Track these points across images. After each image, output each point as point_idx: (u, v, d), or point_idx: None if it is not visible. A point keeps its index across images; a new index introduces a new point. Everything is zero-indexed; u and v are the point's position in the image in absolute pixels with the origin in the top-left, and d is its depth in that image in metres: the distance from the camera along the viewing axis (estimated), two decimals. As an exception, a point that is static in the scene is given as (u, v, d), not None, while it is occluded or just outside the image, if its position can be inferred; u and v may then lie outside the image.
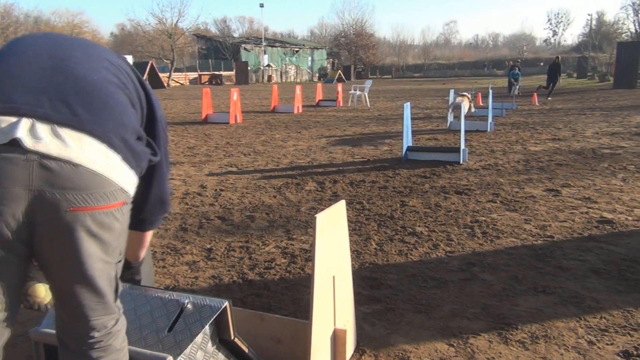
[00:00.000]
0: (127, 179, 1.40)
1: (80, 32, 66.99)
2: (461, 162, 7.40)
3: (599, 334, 2.67)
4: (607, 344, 2.58)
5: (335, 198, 5.57)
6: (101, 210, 1.31)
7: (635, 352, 2.48)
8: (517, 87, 22.63)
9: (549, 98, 20.08)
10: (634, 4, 57.81)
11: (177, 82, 45.67)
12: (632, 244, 3.99)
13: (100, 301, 1.40)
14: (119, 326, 1.49)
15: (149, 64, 38.89)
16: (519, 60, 26.55)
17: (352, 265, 2.58)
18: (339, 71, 52.12)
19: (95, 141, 1.32)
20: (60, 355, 1.50)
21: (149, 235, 1.86)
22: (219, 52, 54.58)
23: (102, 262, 1.36)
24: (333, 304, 2.24)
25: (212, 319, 1.83)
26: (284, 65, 60.22)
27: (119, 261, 1.45)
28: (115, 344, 1.48)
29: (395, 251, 3.96)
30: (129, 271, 1.92)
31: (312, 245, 2.03)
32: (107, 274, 1.39)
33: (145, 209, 1.69)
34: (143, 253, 1.91)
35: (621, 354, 2.48)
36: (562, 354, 2.49)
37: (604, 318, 2.84)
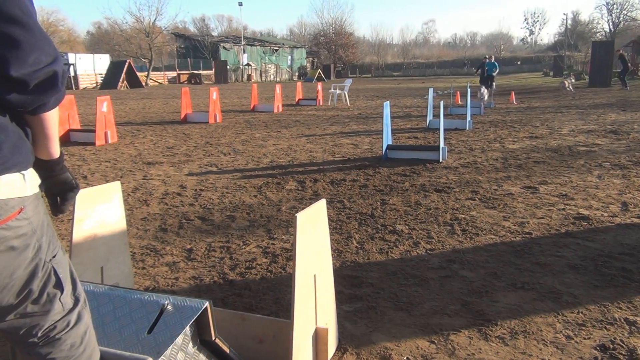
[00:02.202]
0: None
1: (55, 31, 65.96)
2: (441, 160, 7.46)
3: (577, 329, 2.71)
4: (585, 338, 2.62)
5: (315, 197, 5.57)
6: None
7: (611, 346, 2.52)
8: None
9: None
10: (608, 3, 58.93)
11: (156, 81, 45.22)
12: (608, 239, 4.06)
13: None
14: (65, 323, 1.46)
15: (127, 63, 38.50)
16: (486, 57, 25.67)
17: (333, 263, 2.58)
18: (319, 70, 52.22)
19: None
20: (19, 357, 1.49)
21: (52, 117, 1.39)
22: (198, 51, 54.18)
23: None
24: (314, 303, 2.24)
25: (192, 320, 1.82)
26: (263, 64, 60.03)
27: (48, 259, 1.40)
28: (66, 342, 1.46)
29: (376, 249, 3.97)
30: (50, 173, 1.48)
31: (293, 244, 2.02)
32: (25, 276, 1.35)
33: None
34: (54, 143, 1.44)
35: (598, 348, 2.52)
36: (540, 349, 2.53)
37: (581, 313, 2.88)
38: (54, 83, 1.29)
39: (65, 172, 1.50)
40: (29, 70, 1.22)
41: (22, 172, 1.31)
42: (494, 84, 20.12)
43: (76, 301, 1.50)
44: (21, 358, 1.49)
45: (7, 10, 1.18)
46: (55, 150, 1.45)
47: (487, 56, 20.94)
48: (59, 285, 1.43)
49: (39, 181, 1.40)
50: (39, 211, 1.37)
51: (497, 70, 20.42)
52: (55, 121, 1.40)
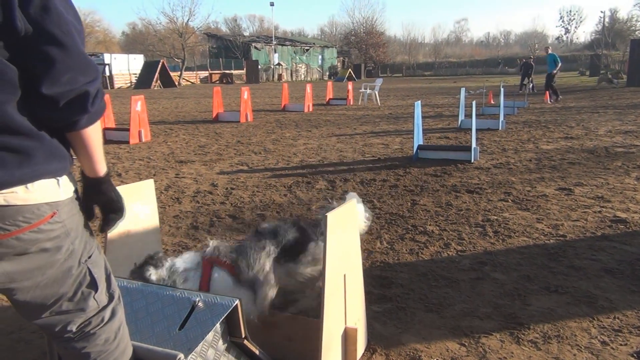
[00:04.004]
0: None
1: (92, 32, 67.49)
2: (472, 160, 7.36)
3: (613, 334, 2.65)
4: (621, 345, 2.55)
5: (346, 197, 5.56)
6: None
7: (649, 353, 2.45)
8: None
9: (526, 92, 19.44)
10: (647, 0, 57.20)
11: (188, 81, 45.85)
12: (646, 243, 3.94)
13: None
14: (99, 319, 1.50)
15: (160, 63, 39.13)
16: (531, 57, 25.56)
17: (363, 264, 2.57)
18: (349, 69, 52.07)
19: None
20: (59, 349, 1.54)
21: (89, 136, 1.39)
22: (230, 50, 54.70)
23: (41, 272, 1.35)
24: (344, 303, 2.23)
25: (223, 317, 1.84)
26: (294, 64, 60.23)
27: (83, 260, 1.44)
28: (101, 336, 1.49)
29: (406, 250, 3.95)
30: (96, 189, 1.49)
31: (323, 244, 2.02)
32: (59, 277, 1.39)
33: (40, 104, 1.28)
34: (98, 160, 1.44)
35: (635, 355, 2.46)
36: (574, 354, 2.47)
37: (618, 318, 2.81)
38: (83, 103, 1.30)
39: (110, 192, 1.50)
40: (61, 90, 1.25)
41: (57, 177, 1.34)
42: (552, 83, 17.82)
43: (110, 298, 1.54)
44: (58, 350, 1.54)
45: (46, 29, 1.20)
46: (99, 168, 1.45)
47: (531, 56, 19.55)
48: (93, 284, 1.47)
49: (74, 186, 1.42)
50: (73, 214, 1.40)
51: (559, 65, 17.97)
52: (95, 139, 1.40)
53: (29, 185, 1.26)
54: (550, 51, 18.73)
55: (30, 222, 1.27)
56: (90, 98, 1.31)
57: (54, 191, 1.32)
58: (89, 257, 1.46)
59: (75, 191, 1.43)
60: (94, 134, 1.39)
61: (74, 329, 1.46)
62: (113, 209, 1.52)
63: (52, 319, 1.43)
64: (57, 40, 1.22)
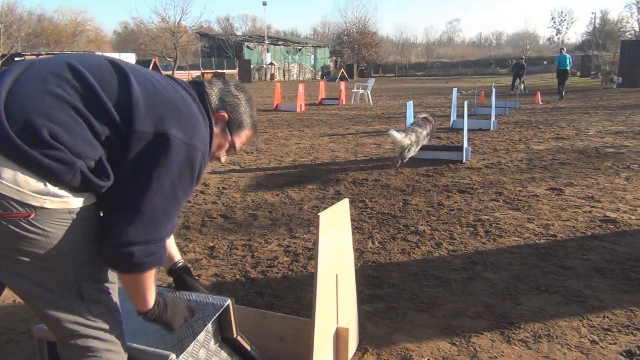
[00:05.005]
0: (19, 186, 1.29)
1: (83, 30, 67.13)
2: (464, 160, 7.39)
3: (602, 334, 2.67)
4: (610, 344, 2.57)
5: (338, 196, 5.57)
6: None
7: (638, 352, 2.47)
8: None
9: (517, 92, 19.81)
10: (638, 2, 57.67)
11: (180, 80, 45.65)
12: (636, 243, 3.98)
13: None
14: (93, 322, 1.49)
15: (152, 62, 39.00)
16: (522, 58, 25.88)
17: (355, 263, 2.58)
18: (342, 69, 52.09)
19: None
20: (58, 348, 1.52)
21: (132, 278, 1.50)
22: (222, 50, 54.56)
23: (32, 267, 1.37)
24: (336, 303, 2.24)
25: (214, 317, 1.84)
26: (286, 64, 60.20)
27: (79, 266, 1.43)
28: (94, 340, 1.49)
29: (397, 250, 3.96)
30: (151, 320, 1.65)
31: (315, 243, 2.02)
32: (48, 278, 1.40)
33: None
34: (138, 300, 1.57)
35: (624, 354, 2.48)
36: (564, 353, 2.49)
37: (607, 317, 2.83)
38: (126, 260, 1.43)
39: (160, 319, 1.65)
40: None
41: (47, 182, 1.32)
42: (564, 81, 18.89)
43: (104, 302, 1.52)
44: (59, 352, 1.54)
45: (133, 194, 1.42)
46: (142, 305, 1.58)
47: (522, 57, 20.65)
48: (84, 291, 1.46)
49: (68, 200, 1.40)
50: (69, 230, 1.39)
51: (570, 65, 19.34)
52: (141, 284, 1.52)
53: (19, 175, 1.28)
54: (564, 52, 19.74)
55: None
56: (133, 258, 1.41)
57: (33, 191, 1.31)
58: (83, 267, 1.45)
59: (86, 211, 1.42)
60: (137, 280, 1.51)
61: (67, 333, 1.46)
62: (170, 330, 1.70)
63: (44, 315, 1.44)
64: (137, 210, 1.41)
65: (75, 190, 1.36)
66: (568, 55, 19.52)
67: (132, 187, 1.40)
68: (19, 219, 1.29)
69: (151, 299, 1.58)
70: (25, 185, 1.28)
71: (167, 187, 1.41)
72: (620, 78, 23.87)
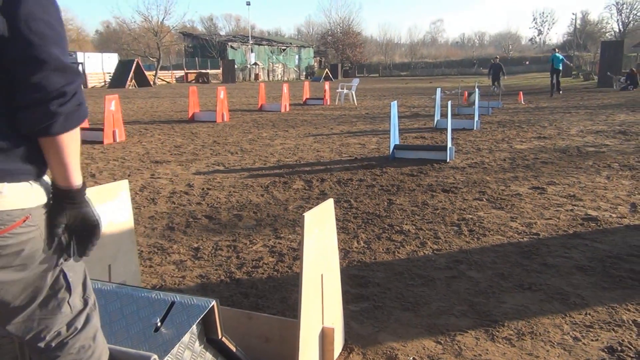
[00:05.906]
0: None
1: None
2: (448, 160, 7.44)
3: (584, 330, 2.70)
4: (592, 340, 2.60)
5: (323, 196, 5.57)
6: None
7: (619, 348, 2.51)
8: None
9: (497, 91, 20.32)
10: (617, 3, 58.54)
11: (164, 80, 45.35)
12: (616, 240, 4.03)
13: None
14: (73, 326, 1.46)
15: (135, 62, 38.66)
16: (497, 57, 26.08)
17: (340, 263, 2.58)
18: (326, 69, 52.14)
19: None
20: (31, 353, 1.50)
21: (63, 143, 1.28)
22: (206, 50, 54.27)
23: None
24: (321, 303, 2.24)
25: (199, 319, 1.83)
26: (271, 64, 60.06)
27: (59, 262, 1.39)
28: (74, 345, 1.46)
29: (382, 249, 3.97)
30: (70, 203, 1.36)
31: (301, 243, 2.02)
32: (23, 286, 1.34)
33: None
34: (69, 171, 1.32)
35: (606, 350, 2.51)
36: (547, 350, 2.52)
37: (589, 314, 2.87)
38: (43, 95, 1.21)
39: (87, 206, 1.38)
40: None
41: (30, 181, 1.29)
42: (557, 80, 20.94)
43: (85, 303, 1.49)
44: (33, 358, 1.50)
45: (22, 32, 1.18)
46: (72, 177, 1.33)
47: (497, 56, 21.72)
48: (67, 289, 1.42)
49: (47, 193, 1.35)
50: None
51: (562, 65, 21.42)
52: (70, 148, 1.30)
53: (2, 189, 1.22)
54: (557, 52, 22.05)
55: (4, 226, 1.24)
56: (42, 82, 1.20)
57: (25, 196, 1.28)
58: (64, 260, 1.42)
59: (49, 200, 1.36)
60: (70, 142, 1.29)
61: (47, 337, 1.41)
62: (92, 225, 1.39)
63: (24, 324, 1.38)
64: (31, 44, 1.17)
65: None
66: (560, 56, 21.56)
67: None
68: None
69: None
70: None
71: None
72: (618, 77, 24.76)
